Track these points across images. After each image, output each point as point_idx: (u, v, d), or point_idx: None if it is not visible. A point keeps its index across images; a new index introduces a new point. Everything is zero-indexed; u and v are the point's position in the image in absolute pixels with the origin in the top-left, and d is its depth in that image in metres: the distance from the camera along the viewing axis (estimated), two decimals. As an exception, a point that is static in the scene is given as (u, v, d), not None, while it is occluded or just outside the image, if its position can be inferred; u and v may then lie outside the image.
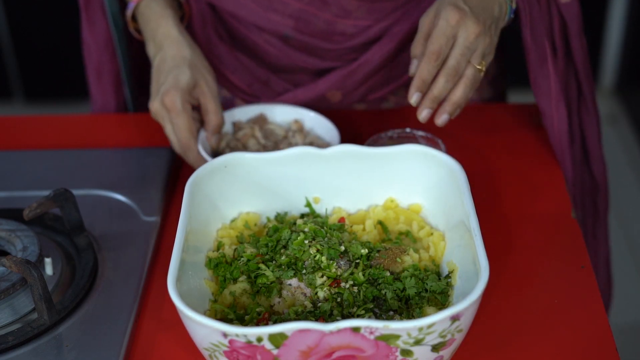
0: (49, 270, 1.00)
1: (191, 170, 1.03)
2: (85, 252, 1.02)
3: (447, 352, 0.84)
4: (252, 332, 0.79)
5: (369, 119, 1.27)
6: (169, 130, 1.11)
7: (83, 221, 1.04)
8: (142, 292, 0.99)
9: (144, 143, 1.25)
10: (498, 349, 0.92)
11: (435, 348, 0.82)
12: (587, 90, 1.21)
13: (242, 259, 0.96)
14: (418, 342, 0.80)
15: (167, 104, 1.09)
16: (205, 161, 1.10)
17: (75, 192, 1.05)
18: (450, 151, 1.14)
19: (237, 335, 0.79)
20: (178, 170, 1.20)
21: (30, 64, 2.82)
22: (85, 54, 1.31)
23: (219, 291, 0.94)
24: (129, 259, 1.03)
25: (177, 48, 1.13)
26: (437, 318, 0.79)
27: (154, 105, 1.11)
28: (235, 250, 0.97)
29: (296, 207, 1.04)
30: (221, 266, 0.95)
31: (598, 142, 1.25)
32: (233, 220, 1.02)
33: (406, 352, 0.81)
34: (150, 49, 1.16)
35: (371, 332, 0.79)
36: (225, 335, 0.80)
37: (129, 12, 1.19)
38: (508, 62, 1.37)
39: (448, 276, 0.94)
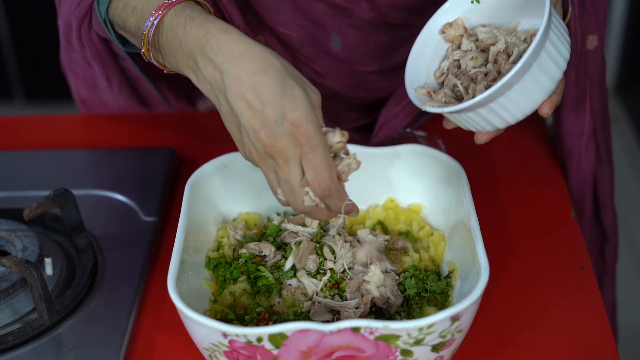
0: (49, 270, 1.00)
1: (191, 170, 1.03)
2: (85, 252, 1.02)
3: (447, 352, 0.84)
4: (252, 332, 0.79)
5: (369, 119, 1.27)
6: (293, 174, 0.81)
7: (83, 221, 1.04)
8: (142, 292, 0.99)
9: (144, 143, 1.25)
10: (498, 349, 0.92)
11: (435, 348, 0.82)
12: (602, 140, 1.17)
13: (240, 259, 0.96)
14: (418, 342, 0.80)
15: (298, 137, 0.79)
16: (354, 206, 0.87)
17: (75, 192, 1.05)
18: (450, 151, 1.14)
19: (237, 335, 0.79)
20: (178, 170, 1.20)
21: (30, 64, 2.83)
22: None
23: (219, 291, 0.94)
24: (129, 259, 1.03)
25: (258, 58, 0.81)
26: (437, 318, 0.79)
27: (278, 144, 0.79)
28: (234, 250, 0.97)
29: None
30: (221, 266, 0.95)
31: (610, 193, 1.22)
32: (233, 220, 1.02)
33: (406, 352, 0.81)
34: (205, 69, 0.84)
35: (371, 332, 0.79)
36: (225, 335, 0.80)
37: (148, 33, 0.89)
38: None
39: (448, 276, 0.94)
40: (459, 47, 0.96)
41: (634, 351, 2.04)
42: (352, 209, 0.86)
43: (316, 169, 0.80)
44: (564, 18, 1.00)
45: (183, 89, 1.29)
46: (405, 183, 1.03)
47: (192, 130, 1.27)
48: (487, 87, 0.89)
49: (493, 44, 0.93)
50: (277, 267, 0.94)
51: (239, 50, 0.81)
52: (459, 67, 0.95)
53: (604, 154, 1.19)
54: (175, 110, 1.30)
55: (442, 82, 0.96)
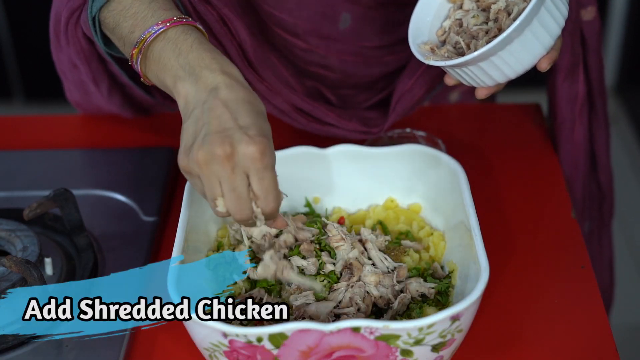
0: (49, 270, 1.00)
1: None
2: (85, 252, 1.02)
3: (447, 352, 0.84)
4: (252, 332, 0.79)
5: (369, 119, 1.27)
6: (240, 183, 0.82)
7: (83, 221, 1.04)
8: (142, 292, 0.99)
9: (144, 143, 1.25)
10: (498, 349, 0.92)
11: (435, 348, 0.82)
12: (600, 104, 1.21)
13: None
14: (418, 342, 0.80)
15: (253, 153, 0.81)
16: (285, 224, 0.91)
17: (75, 192, 1.05)
18: (450, 151, 1.14)
19: (237, 335, 0.79)
20: (178, 170, 1.19)
21: (30, 64, 2.82)
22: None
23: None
24: (129, 259, 1.03)
25: (251, 94, 0.85)
26: (437, 318, 0.79)
27: (218, 149, 0.81)
28: (234, 250, 0.97)
29: (296, 207, 1.04)
30: (220, 267, 0.95)
31: (607, 153, 1.25)
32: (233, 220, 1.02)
33: (406, 352, 0.81)
34: (186, 87, 0.86)
35: (371, 332, 0.79)
36: (225, 335, 0.80)
37: (147, 38, 0.91)
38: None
39: (448, 276, 0.94)
40: (460, 7, 1.00)
41: (634, 351, 2.04)
42: (283, 224, 0.90)
43: (266, 189, 0.83)
44: None
45: None
46: (405, 183, 1.03)
47: (192, 130, 1.27)
48: (488, 43, 0.92)
49: (494, 3, 0.97)
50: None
51: (237, 79, 0.86)
52: (460, 25, 0.99)
53: (601, 118, 1.22)
54: (174, 110, 1.29)
55: (444, 41, 1.00)
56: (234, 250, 0.97)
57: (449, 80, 1.00)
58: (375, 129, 1.15)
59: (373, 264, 0.93)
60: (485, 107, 1.33)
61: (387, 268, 0.93)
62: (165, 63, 0.88)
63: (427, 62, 0.96)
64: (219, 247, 0.99)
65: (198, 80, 0.85)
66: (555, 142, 1.21)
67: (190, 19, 0.91)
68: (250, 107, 0.84)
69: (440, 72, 1.10)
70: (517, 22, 0.89)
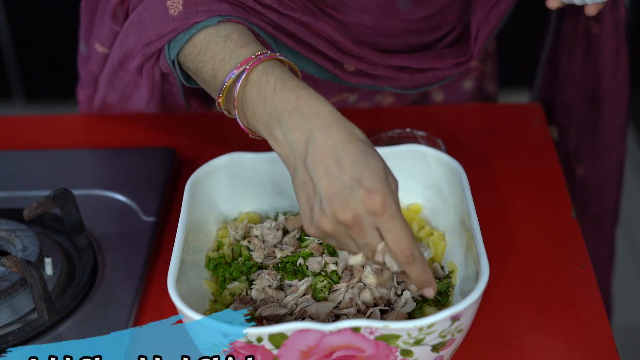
0: (49, 270, 1.00)
1: (191, 170, 1.03)
2: (85, 252, 1.02)
3: (447, 352, 0.84)
4: (252, 332, 0.79)
5: (369, 119, 1.27)
6: (371, 238, 0.81)
7: (83, 221, 1.04)
8: (142, 292, 0.99)
9: (144, 143, 1.25)
10: (498, 349, 0.92)
11: (436, 348, 0.82)
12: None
13: (240, 258, 0.96)
14: (418, 342, 0.80)
15: (374, 206, 0.78)
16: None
17: (75, 192, 1.05)
18: (450, 151, 1.14)
19: (237, 335, 0.79)
20: (178, 170, 1.20)
21: (30, 64, 2.82)
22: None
23: (219, 291, 0.94)
24: (129, 259, 1.03)
25: (344, 127, 0.81)
26: (437, 318, 0.79)
27: (341, 215, 0.79)
28: (233, 250, 0.97)
29: (296, 207, 1.04)
30: (220, 267, 0.95)
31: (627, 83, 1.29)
32: (234, 220, 1.02)
33: (406, 352, 0.81)
34: (279, 139, 0.83)
35: (371, 332, 0.79)
36: (225, 335, 0.80)
37: (232, 86, 0.87)
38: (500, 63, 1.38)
39: (448, 276, 0.94)
40: None
41: (634, 351, 2.04)
42: (430, 284, 0.84)
43: (397, 239, 0.80)
44: None
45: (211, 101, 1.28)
46: (405, 183, 1.03)
47: (192, 130, 1.27)
48: None
49: None
50: (278, 267, 0.94)
51: (329, 119, 0.81)
52: None
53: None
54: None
55: None
56: (233, 250, 0.98)
57: (552, 4, 1.02)
58: (466, 57, 1.16)
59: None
60: (486, 107, 1.33)
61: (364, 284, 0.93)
62: (254, 111, 0.85)
63: None
64: (219, 247, 0.99)
65: (290, 129, 0.82)
66: (597, 82, 1.26)
67: (268, 52, 0.87)
68: (352, 147, 0.80)
69: (511, 1, 1.14)
70: None
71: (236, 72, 0.87)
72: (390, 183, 0.80)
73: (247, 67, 0.86)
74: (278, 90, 0.84)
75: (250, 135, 0.90)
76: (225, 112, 0.91)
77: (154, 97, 1.12)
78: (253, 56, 0.87)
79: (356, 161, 0.79)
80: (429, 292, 0.84)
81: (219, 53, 0.90)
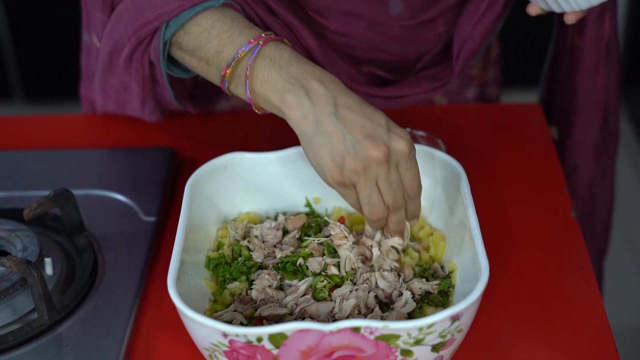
0: (49, 270, 1.00)
1: (191, 170, 1.03)
2: (85, 252, 1.02)
3: (447, 352, 0.84)
4: (252, 332, 0.79)
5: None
6: (395, 177, 0.88)
7: (83, 221, 1.04)
8: (142, 292, 0.99)
9: (144, 143, 1.25)
10: (498, 349, 0.92)
11: (435, 348, 0.82)
12: (615, 47, 1.23)
13: (240, 258, 0.96)
14: (418, 342, 0.80)
15: (404, 148, 0.87)
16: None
17: (75, 192, 1.05)
18: (450, 151, 1.14)
19: (237, 335, 0.79)
20: (178, 170, 1.20)
21: (30, 64, 2.82)
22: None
23: (219, 291, 0.94)
24: (129, 259, 1.03)
25: (349, 92, 0.89)
26: (437, 318, 0.79)
27: (376, 152, 0.85)
28: (233, 250, 0.97)
29: (296, 207, 1.04)
30: (220, 267, 0.95)
31: (617, 97, 1.27)
32: (234, 220, 1.02)
33: (406, 352, 0.81)
34: (300, 100, 0.88)
35: (371, 332, 0.79)
36: (225, 335, 0.80)
37: (246, 57, 0.92)
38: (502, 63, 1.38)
39: (448, 276, 0.94)
40: None
41: (634, 351, 2.04)
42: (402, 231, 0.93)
43: (414, 176, 0.89)
44: None
45: (203, 99, 1.28)
46: (405, 183, 1.03)
47: (192, 130, 1.27)
48: None
49: None
50: (278, 267, 0.94)
51: (343, 86, 0.89)
52: None
53: (615, 63, 1.24)
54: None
55: None
56: (233, 250, 0.98)
57: (532, 10, 1.02)
58: (445, 79, 1.16)
59: (380, 268, 0.93)
60: (486, 107, 1.33)
61: (391, 267, 0.93)
62: (266, 79, 0.90)
63: None
64: (219, 247, 0.99)
65: (309, 92, 0.87)
66: (573, 97, 1.23)
67: (275, 34, 0.93)
68: (370, 105, 0.88)
69: (497, 16, 1.13)
70: None
71: (249, 45, 0.92)
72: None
73: (261, 42, 0.91)
74: (293, 62, 0.90)
75: (253, 107, 0.94)
76: (225, 88, 0.94)
77: (147, 98, 1.13)
78: (263, 34, 0.92)
79: (379, 115, 0.87)
80: (414, 223, 0.94)
81: (226, 30, 0.94)
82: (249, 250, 0.96)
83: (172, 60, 1.03)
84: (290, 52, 0.91)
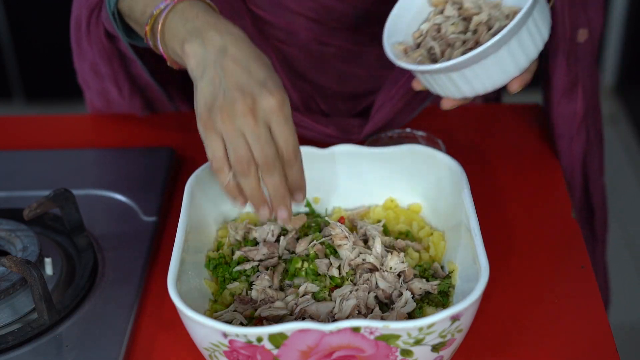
0: (49, 270, 1.00)
1: (191, 170, 1.03)
2: (85, 252, 1.02)
3: (447, 352, 0.84)
4: (252, 332, 0.79)
5: (369, 119, 1.27)
6: (263, 135, 0.86)
7: (83, 221, 1.04)
8: (142, 292, 0.99)
9: (144, 143, 1.25)
10: (498, 349, 0.92)
11: (436, 348, 0.82)
12: (592, 122, 1.19)
13: (234, 262, 0.96)
14: (418, 342, 0.80)
15: (273, 104, 0.86)
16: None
17: (75, 192, 1.05)
18: (450, 151, 1.14)
19: (237, 335, 0.79)
20: (178, 170, 1.20)
21: (30, 64, 2.83)
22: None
23: (219, 291, 0.94)
24: (129, 259, 1.03)
25: (254, 49, 0.89)
26: (437, 318, 0.79)
27: (241, 105, 0.85)
28: (232, 250, 0.97)
29: (296, 207, 1.04)
30: (220, 267, 0.95)
31: (600, 172, 1.23)
32: (234, 220, 1.02)
33: (406, 352, 0.81)
34: (194, 48, 0.90)
35: (371, 332, 0.79)
36: (225, 335, 0.80)
37: (159, 13, 0.95)
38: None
39: (448, 276, 0.94)
40: (441, 12, 0.98)
41: (634, 351, 2.04)
42: (302, 189, 0.91)
43: (286, 138, 0.87)
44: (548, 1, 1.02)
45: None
46: (405, 183, 1.03)
47: (192, 130, 1.27)
48: (464, 54, 0.90)
49: (476, 14, 0.95)
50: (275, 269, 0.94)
51: (241, 38, 0.89)
52: (438, 31, 0.97)
53: (594, 136, 1.20)
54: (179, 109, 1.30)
55: (419, 44, 0.98)
56: (233, 250, 0.98)
57: (416, 85, 1.00)
58: (354, 136, 1.16)
59: (381, 268, 0.93)
60: (486, 107, 1.33)
61: (392, 268, 0.93)
62: (173, 32, 0.92)
63: (397, 63, 0.94)
64: (219, 247, 0.99)
65: (205, 41, 0.89)
66: (556, 152, 1.20)
67: None
68: (260, 61, 0.88)
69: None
70: (496, 38, 0.87)
71: (164, 3, 0.94)
72: (287, 99, 0.87)
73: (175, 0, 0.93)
74: (200, 15, 0.91)
75: (168, 62, 0.96)
76: (151, 45, 0.96)
77: (119, 80, 1.16)
78: None
79: (263, 72, 0.87)
80: (299, 197, 0.91)
81: None
82: (247, 260, 0.96)
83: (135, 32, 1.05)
84: (203, 8, 0.92)
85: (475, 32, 0.94)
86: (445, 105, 0.98)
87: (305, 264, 0.93)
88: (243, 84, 0.86)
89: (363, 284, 0.91)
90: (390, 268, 0.92)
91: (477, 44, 0.92)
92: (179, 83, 1.24)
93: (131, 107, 1.25)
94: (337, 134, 1.16)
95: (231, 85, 0.86)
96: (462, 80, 0.91)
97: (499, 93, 1.38)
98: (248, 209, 1.04)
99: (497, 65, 0.90)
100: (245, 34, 0.90)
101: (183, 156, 1.22)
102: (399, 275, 0.92)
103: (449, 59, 0.92)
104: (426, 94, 1.15)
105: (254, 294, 0.91)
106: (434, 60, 0.95)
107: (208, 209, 1.00)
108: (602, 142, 1.23)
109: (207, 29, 0.89)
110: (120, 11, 1.00)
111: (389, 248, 0.95)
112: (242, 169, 0.87)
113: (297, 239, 0.98)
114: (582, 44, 1.11)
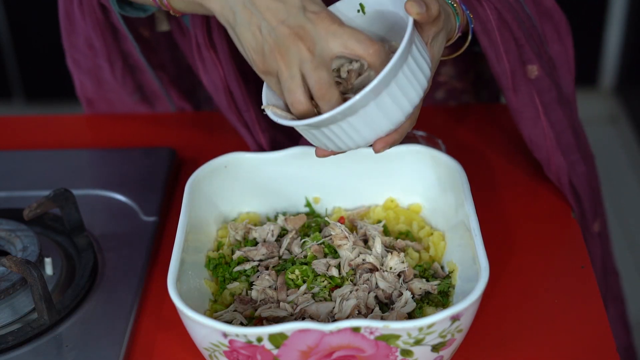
0: (49, 270, 1.00)
1: (191, 170, 1.03)
2: (85, 252, 1.02)
3: (447, 352, 0.84)
4: (252, 332, 0.79)
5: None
6: (308, 67, 0.82)
7: (83, 221, 1.04)
8: (142, 292, 0.99)
9: (144, 143, 1.25)
10: (498, 349, 0.92)
11: (436, 348, 0.82)
12: (574, 141, 1.14)
13: (233, 262, 0.96)
14: (418, 342, 0.80)
15: (322, 19, 0.82)
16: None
17: (75, 192, 1.05)
18: (450, 151, 1.14)
19: (237, 335, 0.79)
20: (178, 170, 1.20)
21: (30, 64, 2.83)
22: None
23: (219, 291, 0.94)
24: (129, 259, 1.03)
25: None
26: (437, 318, 0.79)
27: (306, 26, 0.82)
28: (232, 250, 0.97)
29: (296, 207, 1.04)
30: (220, 267, 0.95)
31: (589, 188, 1.18)
32: (234, 220, 1.02)
33: (406, 352, 0.81)
34: None
35: (371, 332, 0.79)
36: (225, 335, 0.80)
37: None
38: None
39: (448, 276, 0.94)
40: None
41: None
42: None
43: (351, 32, 0.82)
44: (462, 45, 0.99)
45: (186, 86, 1.29)
46: (405, 183, 1.03)
47: (192, 130, 1.27)
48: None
49: (348, 62, 0.90)
50: (275, 269, 0.94)
51: None
52: None
53: (579, 154, 1.14)
54: (176, 108, 1.30)
55: None
56: (233, 250, 0.98)
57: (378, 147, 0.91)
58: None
59: (381, 268, 0.93)
60: (486, 107, 1.33)
61: (391, 268, 0.93)
62: None
63: (265, 108, 0.88)
64: (219, 247, 0.99)
65: None
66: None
67: None
68: None
69: None
70: (358, 96, 0.80)
71: None
72: (329, 11, 0.83)
73: None
74: None
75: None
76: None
77: (112, 56, 1.15)
78: None
79: None
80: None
81: None
82: (247, 260, 0.96)
83: (127, 4, 1.04)
84: None
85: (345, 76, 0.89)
86: (320, 153, 0.92)
87: (300, 271, 0.92)
88: (282, 16, 0.82)
89: (363, 284, 0.91)
90: (390, 268, 0.92)
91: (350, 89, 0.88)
92: (171, 71, 1.23)
93: (123, 88, 1.24)
94: (265, 146, 1.14)
95: (273, 23, 0.82)
96: (328, 135, 0.85)
97: (499, 93, 1.38)
98: (247, 209, 1.04)
99: (365, 122, 0.83)
100: None
101: (183, 156, 1.22)
102: (399, 275, 0.92)
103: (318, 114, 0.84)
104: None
105: (254, 294, 0.91)
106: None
107: (208, 209, 1.00)
108: (591, 160, 1.18)
109: None
110: None
111: (389, 248, 0.95)
112: (321, 94, 0.82)
113: (297, 239, 0.98)
114: (535, 80, 1.07)
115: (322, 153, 0.91)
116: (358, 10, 0.91)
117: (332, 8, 0.90)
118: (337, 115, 0.82)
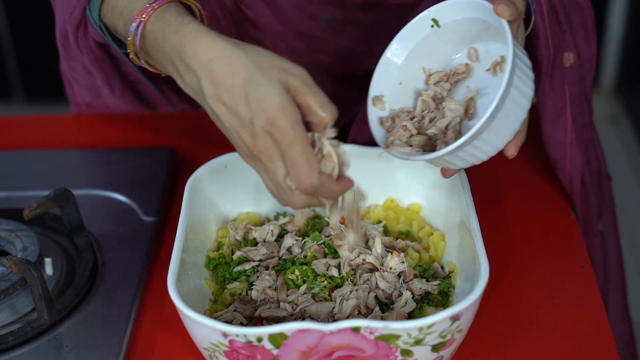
0: (49, 270, 1.00)
1: (191, 170, 1.03)
2: (85, 252, 1.02)
3: (447, 352, 0.84)
4: (252, 332, 0.79)
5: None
6: (279, 171, 0.80)
7: (83, 221, 1.04)
8: (142, 292, 0.99)
9: (144, 143, 1.25)
10: (498, 349, 0.92)
11: (436, 348, 0.82)
12: (592, 148, 1.15)
13: (233, 262, 0.96)
14: (418, 342, 0.80)
15: (275, 134, 0.78)
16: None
17: (75, 192, 1.05)
18: (450, 151, 1.14)
19: (237, 335, 0.79)
20: (178, 170, 1.20)
21: (30, 64, 2.83)
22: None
23: (219, 291, 0.94)
24: (129, 259, 1.03)
25: (226, 59, 0.80)
26: (437, 318, 0.79)
27: (258, 145, 0.79)
28: (232, 250, 0.97)
29: (296, 207, 1.04)
30: (220, 267, 0.95)
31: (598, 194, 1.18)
32: (233, 220, 1.02)
33: (406, 352, 0.81)
34: (185, 75, 0.84)
35: (371, 332, 0.79)
36: (225, 335, 0.80)
37: (134, 39, 0.88)
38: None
39: (448, 276, 0.94)
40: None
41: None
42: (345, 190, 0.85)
43: (294, 165, 0.79)
44: (526, 27, 0.99)
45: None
46: (405, 183, 1.03)
47: (192, 130, 1.27)
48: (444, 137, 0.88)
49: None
50: (275, 269, 0.94)
51: (208, 54, 0.81)
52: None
53: (593, 153, 1.15)
54: (178, 110, 1.30)
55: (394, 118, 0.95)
56: (233, 250, 0.98)
57: (446, 174, 0.95)
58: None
59: (381, 268, 0.93)
60: (485, 107, 1.33)
61: (391, 268, 0.93)
62: (160, 60, 0.87)
63: (388, 151, 0.90)
64: (219, 247, 0.99)
65: (185, 73, 0.83)
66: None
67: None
68: (237, 80, 0.79)
69: None
70: (479, 123, 0.83)
71: (134, 25, 0.87)
72: (286, 102, 0.78)
73: (143, 18, 0.86)
74: (166, 36, 0.84)
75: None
76: (146, 67, 0.91)
77: (111, 80, 1.14)
78: (147, 5, 0.86)
79: (246, 94, 0.78)
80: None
81: (125, 8, 0.89)
82: (247, 260, 0.96)
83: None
84: (165, 21, 0.85)
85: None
86: (447, 174, 0.94)
87: (300, 272, 0.92)
88: (238, 122, 0.79)
89: (363, 284, 0.91)
90: (390, 268, 0.92)
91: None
92: (172, 81, 1.24)
93: (122, 102, 1.24)
94: None
95: (231, 129, 0.80)
96: (467, 153, 0.88)
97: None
98: (247, 209, 1.04)
99: (489, 139, 0.87)
100: (209, 35, 0.82)
101: (183, 156, 1.22)
102: (399, 275, 0.92)
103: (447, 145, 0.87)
104: None
105: (254, 294, 0.91)
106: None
107: (208, 209, 1.00)
108: (603, 162, 1.18)
109: (177, 57, 0.83)
110: (107, 25, 0.95)
111: (389, 248, 0.95)
112: (304, 188, 0.80)
113: (297, 239, 0.98)
114: (569, 68, 1.07)
115: (449, 173, 0.93)
116: (432, 25, 0.93)
117: (408, 27, 0.93)
118: (472, 137, 0.84)
